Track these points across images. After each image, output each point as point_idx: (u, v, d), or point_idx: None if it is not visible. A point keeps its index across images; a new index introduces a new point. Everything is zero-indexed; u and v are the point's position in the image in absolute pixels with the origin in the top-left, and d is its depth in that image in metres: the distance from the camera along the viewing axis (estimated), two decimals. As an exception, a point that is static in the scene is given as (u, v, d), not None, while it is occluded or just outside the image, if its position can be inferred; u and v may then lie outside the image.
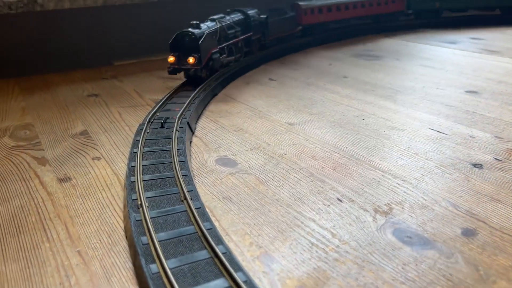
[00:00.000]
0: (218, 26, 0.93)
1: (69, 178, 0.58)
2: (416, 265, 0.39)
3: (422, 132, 0.68)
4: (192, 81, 0.88)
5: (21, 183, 0.57)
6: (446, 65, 1.08)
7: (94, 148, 0.67)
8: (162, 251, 0.38)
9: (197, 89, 0.84)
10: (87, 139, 0.70)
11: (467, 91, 0.88)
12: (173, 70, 0.86)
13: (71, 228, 0.47)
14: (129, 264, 0.41)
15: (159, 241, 0.40)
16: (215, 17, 0.95)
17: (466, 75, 0.99)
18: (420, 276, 0.38)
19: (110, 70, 1.16)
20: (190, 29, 0.85)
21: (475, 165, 0.57)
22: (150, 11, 1.22)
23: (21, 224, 0.48)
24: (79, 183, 0.56)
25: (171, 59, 0.85)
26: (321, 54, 1.26)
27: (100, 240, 0.45)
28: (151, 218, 0.44)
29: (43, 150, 0.67)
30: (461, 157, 0.60)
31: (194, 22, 0.88)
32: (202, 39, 0.86)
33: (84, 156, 0.64)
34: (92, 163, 0.62)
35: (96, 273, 0.40)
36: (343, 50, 1.30)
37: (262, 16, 1.12)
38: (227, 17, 1.00)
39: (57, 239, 0.45)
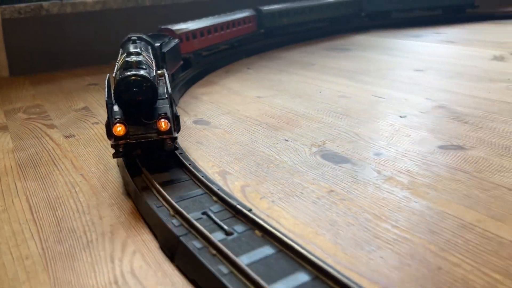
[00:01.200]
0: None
1: (73, 135, 0.71)
2: (333, 172, 0.53)
3: (364, 99, 0.82)
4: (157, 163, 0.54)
5: (35, 139, 0.70)
6: (406, 53, 1.22)
7: (93, 117, 0.81)
8: (143, 165, 0.51)
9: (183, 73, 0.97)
10: (88, 112, 0.84)
11: (415, 70, 1.01)
12: (125, 150, 0.49)
13: (75, 162, 0.60)
14: (119, 179, 0.54)
15: (140, 161, 0.53)
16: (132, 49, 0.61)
17: (420, 59, 1.12)
18: (334, 177, 0.51)
19: (109, 67, 1.31)
20: (139, 72, 0.52)
21: (400, 116, 0.71)
22: (145, 13, 1.36)
23: (36, 162, 0.61)
24: (81, 138, 0.70)
25: (119, 129, 0.49)
26: (297, 49, 1.40)
27: (97, 168, 0.58)
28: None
29: (51, 120, 0.81)
30: (391, 112, 0.73)
31: (133, 50, 0.59)
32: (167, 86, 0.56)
33: (85, 122, 0.78)
34: (91, 126, 0.76)
35: (94, 185, 0.53)
36: (318, 45, 1.44)
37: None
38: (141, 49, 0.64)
39: (64, 169, 0.58)
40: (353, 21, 1.69)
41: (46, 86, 1.09)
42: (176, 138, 0.51)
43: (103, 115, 0.81)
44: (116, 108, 0.50)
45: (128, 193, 0.50)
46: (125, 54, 0.57)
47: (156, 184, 0.47)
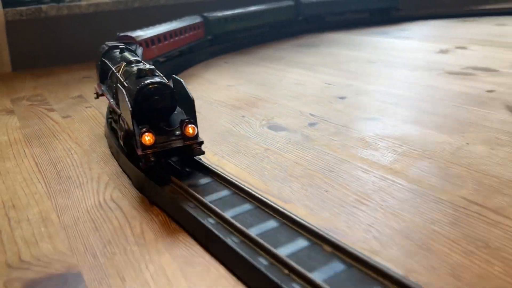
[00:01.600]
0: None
1: (69, 116, 0.86)
2: (273, 137, 0.67)
3: (316, 85, 0.96)
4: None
5: (38, 120, 0.85)
6: (366, 48, 1.37)
7: (86, 103, 0.95)
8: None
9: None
10: (82, 99, 0.99)
11: (368, 61, 1.16)
12: (157, 160, 0.49)
13: (71, 135, 0.75)
14: (106, 145, 0.68)
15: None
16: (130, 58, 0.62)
17: (375, 53, 1.27)
18: (272, 140, 0.66)
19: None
20: (156, 79, 0.52)
21: (340, 97, 0.85)
22: (133, 15, 1.50)
23: (40, 135, 0.76)
24: (76, 118, 0.84)
25: (148, 138, 0.48)
26: (272, 46, 1.55)
27: (89, 138, 0.72)
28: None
29: (51, 105, 0.95)
30: (333, 94, 0.88)
31: (133, 58, 0.60)
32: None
33: (80, 106, 0.92)
34: (85, 109, 0.90)
35: (86, 149, 0.68)
36: (290, 42, 1.59)
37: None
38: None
39: (63, 139, 0.73)
40: (293, 25, 1.76)
41: (45, 78, 1.23)
42: (202, 142, 0.51)
43: (95, 102, 0.96)
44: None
45: (112, 154, 0.65)
46: (127, 63, 0.57)
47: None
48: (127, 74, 0.55)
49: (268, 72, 1.14)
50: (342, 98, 0.85)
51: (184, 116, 0.51)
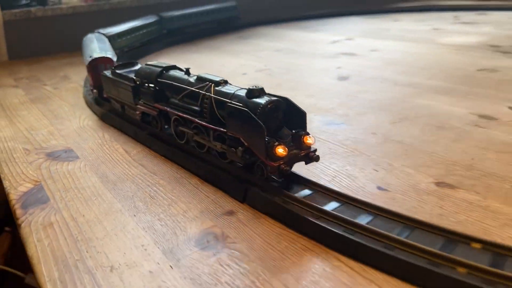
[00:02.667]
0: None
1: (58, 88, 1.25)
2: (189, 95, 1.08)
3: (235, 67, 1.37)
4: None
5: (36, 90, 1.24)
6: (283, 40, 1.78)
7: (70, 79, 1.34)
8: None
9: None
10: (66, 77, 1.38)
11: (276, 50, 1.57)
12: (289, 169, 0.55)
13: (61, 98, 1.14)
14: (84, 102, 1.08)
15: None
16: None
17: (286, 44, 1.68)
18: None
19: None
20: (272, 98, 0.57)
21: (243, 74, 1.26)
22: (105, 15, 1.88)
23: (40, 98, 1.15)
24: (63, 89, 1.24)
25: (281, 151, 0.53)
26: (216, 37, 1.95)
27: (73, 99, 1.12)
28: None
29: (44, 82, 1.34)
30: (243, 73, 1.29)
31: (220, 79, 0.66)
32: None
33: (65, 82, 1.32)
34: (69, 84, 1.30)
35: (72, 104, 1.07)
36: (235, 34, 1.99)
37: None
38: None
39: (56, 100, 1.12)
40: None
41: (37, 65, 1.61)
42: (316, 149, 0.57)
43: (76, 79, 1.34)
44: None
45: (94, 113, 1.05)
46: (215, 83, 0.64)
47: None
48: (225, 95, 0.61)
49: (206, 57, 1.54)
50: (244, 74, 1.26)
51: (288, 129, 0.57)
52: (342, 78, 1.14)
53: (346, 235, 0.46)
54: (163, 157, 0.73)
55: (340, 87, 1.07)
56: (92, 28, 1.46)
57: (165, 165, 0.70)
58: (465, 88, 0.99)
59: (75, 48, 1.78)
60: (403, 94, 0.98)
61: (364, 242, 0.44)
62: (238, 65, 1.38)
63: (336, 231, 0.47)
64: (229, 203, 0.58)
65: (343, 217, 0.48)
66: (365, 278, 0.43)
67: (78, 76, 1.37)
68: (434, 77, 1.10)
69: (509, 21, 1.81)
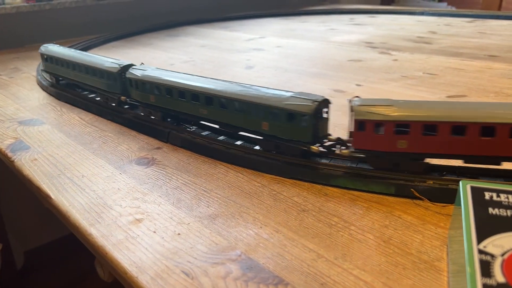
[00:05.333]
0: None
1: (13, 77, 1.47)
2: (127, 81, 1.37)
3: (162, 60, 1.66)
4: None
5: (16, 72, 1.45)
6: (207, 38, 2.09)
7: (21, 70, 1.56)
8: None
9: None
10: (18, 69, 1.59)
11: (201, 46, 1.88)
12: None
13: (17, 85, 1.38)
14: (38, 88, 1.32)
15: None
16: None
17: (207, 41, 1.99)
18: (126, 82, 1.35)
19: (30, 47, 2.03)
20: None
21: (171, 64, 1.56)
22: (45, 16, 2.08)
23: (14, 80, 1.37)
24: (17, 78, 1.46)
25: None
26: (150, 35, 2.21)
27: (28, 86, 1.36)
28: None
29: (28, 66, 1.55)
30: (168, 64, 1.58)
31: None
32: None
33: (17, 73, 1.54)
34: (21, 74, 1.52)
35: (28, 89, 1.31)
36: (164, 32, 2.26)
37: None
38: None
39: (13, 87, 1.35)
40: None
41: (24, 54, 1.80)
42: None
43: (27, 70, 1.56)
44: None
45: (50, 94, 1.29)
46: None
47: None
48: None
49: (139, 52, 1.81)
50: (171, 64, 1.56)
51: None
52: (249, 67, 1.48)
53: (227, 150, 0.78)
54: (110, 121, 1.02)
55: (246, 74, 1.40)
56: (35, 26, 1.68)
57: (112, 125, 0.99)
58: (333, 73, 1.36)
59: (20, 44, 1.99)
60: (289, 78, 1.33)
61: (238, 154, 0.77)
62: (167, 58, 1.67)
63: (221, 149, 0.79)
64: (157, 143, 0.88)
65: (227, 141, 0.80)
66: (241, 173, 0.75)
67: (28, 68, 1.59)
68: (315, 66, 1.46)
69: (389, 23, 2.25)
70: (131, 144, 0.88)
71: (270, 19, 2.57)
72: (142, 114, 0.96)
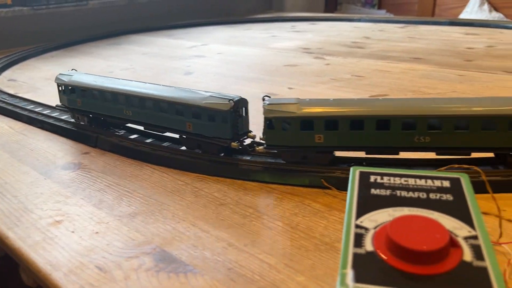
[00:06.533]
0: None
1: None
2: (62, 89, 1.35)
3: (101, 67, 1.65)
4: None
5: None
6: (149, 45, 2.10)
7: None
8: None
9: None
10: None
11: (143, 54, 1.88)
12: None
13: None
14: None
15: None
16: None
17: (150, 48, 2.00)
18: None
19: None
20: None
21: (121, 70, 1.56)
22: (25, 21, 2.02)
23: None
24: None
25: None
26: (91, 44, 2.19)
27: (-43, 96, 1.32)
28: None
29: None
30: (106, 70, 1.58)
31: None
32: None
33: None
34: None
35: (-44, 100, 1.27)
36: (105, 41, 2.25)
37: None
38: None
39: None
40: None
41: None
42: None
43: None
44: None
45: None
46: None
47: None
48: None
49: (79, 61, 1.79)
50: (110, 72, 1.56)
51: None
52: (188, 73, 1.50)
53: (153, 152, 0.80)
54: (39, 128, 1.01)
55: (185, 79, 1.43)
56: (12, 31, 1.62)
57: (41, 133, 0.98)
58: (269, 78, 1.41)
59: None
60: (226, 83, 1.37)
61: (163, 155, 0.79)
62: (106, 66, 1.67)
63: (147, 151, 0.81)
64: (86, 148, 0.89)
65: (154, 143, 0.82)
66: (167, 174, 0.77)
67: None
68: (253, 71, 1.51)
69: (328, 29, 2.35)
70: (59, 150, 0.88)
71: (216, 27, 2.61)
72: (72, 120, 0.96)
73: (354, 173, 0.51)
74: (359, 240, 0.41)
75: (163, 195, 0.69)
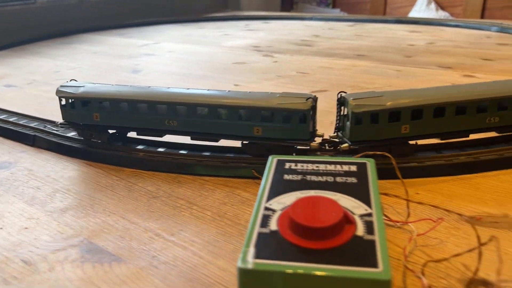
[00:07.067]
0: None
1: None
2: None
3: (48, 66, 1.63)
4: None
5: None
6: (101, 44, 2.07)
7: None
8: None
9: None
10: None
11: (93, 53, 1.86)
12: None
13: None
14: None
15: None
16: None
17: (103, 48, 1.98)
18: (3, 91, 1.31)
19: None
20: None
21: (56, 71, 1.53)
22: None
23: None
24: None
25: None
26: (42, 43, 2.14)
27: None
28: None
29: None
30: (52, 70, 1.55)
31: None
32: None
33: None
34: None
35: None
36: (58, 40, 2.20)
37: None
38: None
39: None
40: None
41: None
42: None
43: None
44: None
45: None
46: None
47: None
48: None
49: (26, 61, 1.75)
50: (57, 72, 1.53)
51: None
52: (136, 72, 1.50)
53: (89, 149, 0.81)
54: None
55: (132, 77, 1.43)
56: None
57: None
58: (217, 75, 1.43)
59: None
60: (175, 80, 1.38)
61: (98, 152, 0.80)
62: (54, 65, 1.64)
63: (84, 148, 0.81)
64: (23, 147, 0.88)
65: (89, 141, 0.83)
66: (102, 170, 0.78)
67: None
68: (202, 69, 1.52)
69: (280, 28, 2.40)
70: (-4, 150, 0.87)
71: (170, 26, 2.61)
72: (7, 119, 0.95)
73: (272, 161, 0.54)
74: (265, 220, 0.44)
75: (97, 190, 0.70)
